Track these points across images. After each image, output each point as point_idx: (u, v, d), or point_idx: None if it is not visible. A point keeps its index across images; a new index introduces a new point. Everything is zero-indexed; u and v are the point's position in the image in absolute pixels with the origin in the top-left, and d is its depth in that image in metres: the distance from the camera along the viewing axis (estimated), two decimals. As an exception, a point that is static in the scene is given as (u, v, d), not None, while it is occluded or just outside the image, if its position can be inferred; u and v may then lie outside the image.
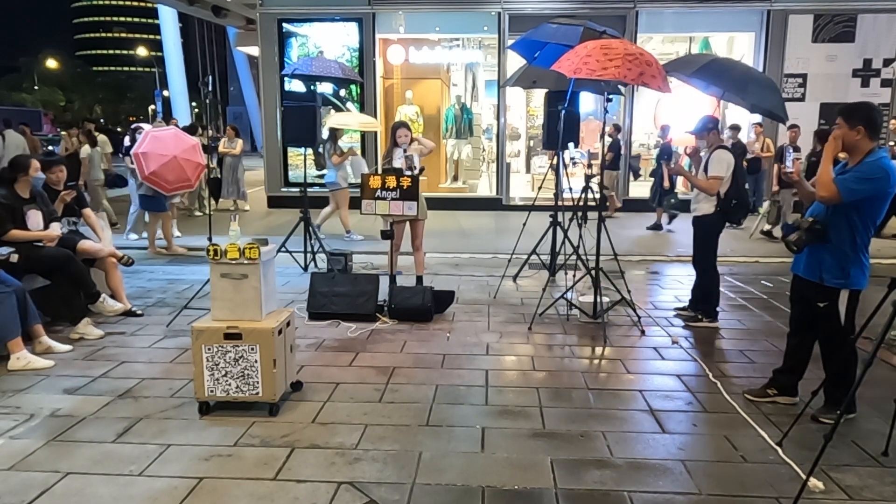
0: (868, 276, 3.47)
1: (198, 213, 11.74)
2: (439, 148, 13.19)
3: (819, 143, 8.53)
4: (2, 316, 4.28)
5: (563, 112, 6.04)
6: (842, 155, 3.48)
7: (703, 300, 5.45)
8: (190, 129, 11.88)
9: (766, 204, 9.83)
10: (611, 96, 5.60)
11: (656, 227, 10.31)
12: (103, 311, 5.24)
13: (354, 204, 6.99)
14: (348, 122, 10.68)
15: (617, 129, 11.82)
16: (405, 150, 6.03)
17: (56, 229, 5.14)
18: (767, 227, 9.56)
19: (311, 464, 3.13)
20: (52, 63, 60.14)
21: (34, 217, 5.02)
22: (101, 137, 11.53)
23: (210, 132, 10.97)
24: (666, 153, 10.18)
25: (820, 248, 3.44)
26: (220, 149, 12.30)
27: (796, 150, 9.56)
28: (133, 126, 11.39)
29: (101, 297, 5.19)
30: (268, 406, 3.64)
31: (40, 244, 4.98)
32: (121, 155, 10.69)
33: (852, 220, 3.36)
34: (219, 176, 11.94)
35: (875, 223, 3.43)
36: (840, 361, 3.47)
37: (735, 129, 10.50)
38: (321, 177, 11.15)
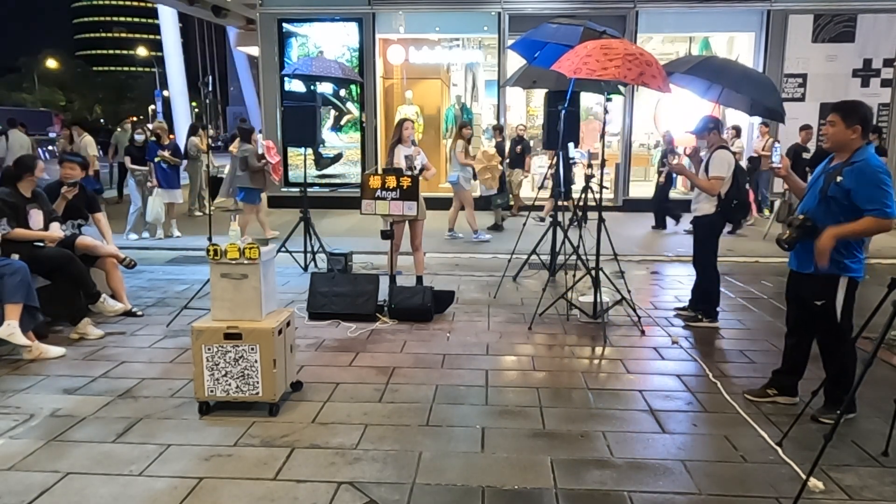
0: (863, 268, 3.46)
1: (198, 213, 11.74)
2: (439, 151, 13.18)
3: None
4: (14, 282, 4.38)
5: (564, 112, 6.04)
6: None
7: (703, 300, 5.45)
8: (191, 130, 11.94)
9: (777, 203, 9.82)
10: (610, 96, 5.60)
11: (496, 227, 10.27)
12: (104, 311, 5.24)
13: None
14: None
15: (523, 128, 12.05)
16: (412, 145, 6.03)
17: (57, 230, 5.14)
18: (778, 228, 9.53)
19: (311, 464, 3.13)
20: (52, 63, 60.11)
21: (35, 217, 5.02)
22: (87, 138, 11.53)
23: (210, 132, 10.97)
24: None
25: (813, 244, 3.43)
26: (231, 148, 12.39)
27: (805, 150, 9.58)
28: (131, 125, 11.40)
29: (102, 297, 5.19)
30: (268, 406, 3.64)
31: (41, 244, 4.98)
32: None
33: (838, 211, 3.36)
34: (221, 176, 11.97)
35: None
36: (839, 360, 3.46)
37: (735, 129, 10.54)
38: (321, 177, 11.18)
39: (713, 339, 5.17)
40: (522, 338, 5.13)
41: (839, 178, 3.33)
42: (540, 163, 13.41)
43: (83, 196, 5.62)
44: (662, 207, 10.40)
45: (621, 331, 5.31)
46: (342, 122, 12.85)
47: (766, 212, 11.25)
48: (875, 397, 3.77)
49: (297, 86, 12.37)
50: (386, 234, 5.62)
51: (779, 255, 8.19)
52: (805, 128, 9.86)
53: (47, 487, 2.90)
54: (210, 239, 5.07)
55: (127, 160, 9.59)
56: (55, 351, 4.57)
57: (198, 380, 3.60)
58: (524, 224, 7.17)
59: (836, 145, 3.45)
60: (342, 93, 12.73)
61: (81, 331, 4.95)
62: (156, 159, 9.25)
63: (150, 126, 10.30)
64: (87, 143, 11.37)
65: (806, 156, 9.50)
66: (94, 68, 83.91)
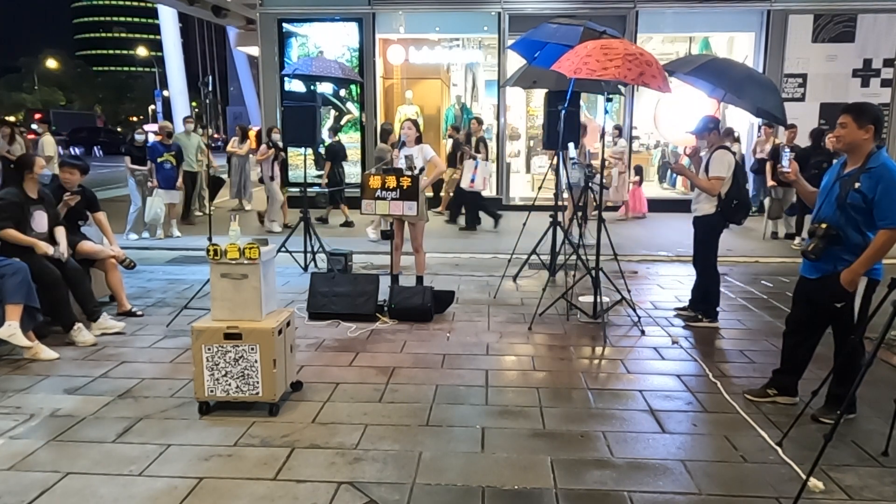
0: (882, 268, 3.44)
1: (198, 213, 11.74)
2: (438, 151, 13.17)
3: (812, 141, 8.61)
4: (15, 282, 4.36)
5: (563, 112, 6.04)
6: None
7: (703, 300, 5.45)
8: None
9: (766, 201, 9.83)
10: (610, 96, 5.60)
11: (347, 224, 10.39)
12: (75, 340, 4.85)
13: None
14: None
15: (456, 130, 11.97)
16: (407, 145, 6.02)
17: (48, 246, 4.87)
18: (774, 227, 9.54)
19: (311, 464, 3.13)
20: (52, 63, 60.21)
21: (40, 219, 4.97)
22: (39, 139, 11.52)
23: (210, 132, 10.95)
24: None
25: (832, 249, 3.42)
26: (228, 149, 12.43)
27: (792, 149, 9.56)
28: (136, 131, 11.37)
29: (77, 326, 4.89)
30: (268, 406, 3.65)
31: (46, 255, 4.81)
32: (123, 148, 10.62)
33: (859, 218, 3.35)
34: (220, 176, 12.00)
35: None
36: (848, 357, 3.45)
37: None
38: (321, 177, 11.17)
39: (713, 339, 5.17)
40: (522, 338, 5.13)
41: (857, 185, 3.28)
42: (540, 163, 13.43)
43: (83, 197, 5.61)
44: (478, 205, 10.34)
45: (621, 331, 5.31)
46: (342, 122, 12.85)
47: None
48: (875, 397, 3.77)
49: (297, 86, 12.37)
50: (386, 234, 5.63)
51: (779, 255, 8.23)
52: (790, 127, 9.80)
53: (47, 487, 2.91)
54: (210, 239, 5.07)
55: (127, 160, 9.58)
56: (49, 354, 4.52)
57: (198, 380, 3.60)
58: (524, 224, 7.16)
59: (849, 147, 3.41)
60: (342, 93, 12.73)
61: (73, 337, 4.82)
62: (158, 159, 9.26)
63: (146, 127, 10.28)
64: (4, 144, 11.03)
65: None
66: (94, 68, 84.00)
